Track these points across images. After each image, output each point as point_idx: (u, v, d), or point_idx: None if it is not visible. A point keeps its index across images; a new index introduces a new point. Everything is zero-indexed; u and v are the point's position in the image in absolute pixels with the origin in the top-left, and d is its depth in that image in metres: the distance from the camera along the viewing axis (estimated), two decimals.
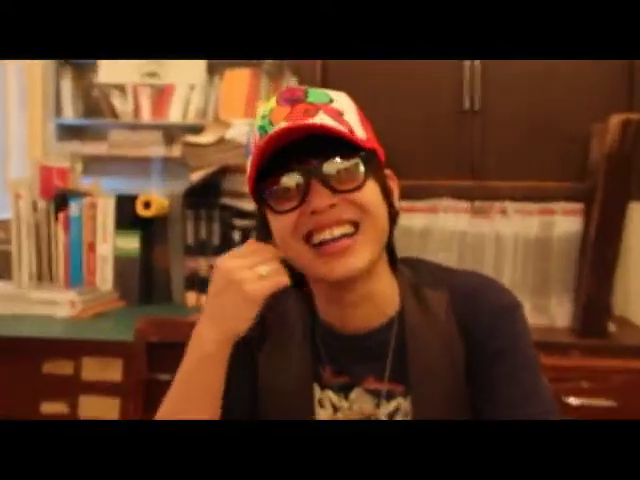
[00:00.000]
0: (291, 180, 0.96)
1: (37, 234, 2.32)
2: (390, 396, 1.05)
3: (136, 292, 2.29)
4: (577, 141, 2.25)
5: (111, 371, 1.89)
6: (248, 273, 0.96)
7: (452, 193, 2.02)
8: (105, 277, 2.29)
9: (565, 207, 1.97)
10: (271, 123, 0.97)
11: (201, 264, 2.24)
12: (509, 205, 2.00)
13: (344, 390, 1.07)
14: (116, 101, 4.35)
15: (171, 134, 4.25)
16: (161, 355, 1.01)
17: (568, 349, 1.80)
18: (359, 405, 1.06)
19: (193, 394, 1.00)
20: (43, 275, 2.33)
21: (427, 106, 2.51)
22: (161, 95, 4.31)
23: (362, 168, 0.97)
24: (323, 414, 1.07)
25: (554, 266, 1.98)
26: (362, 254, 0.97)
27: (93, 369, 1.90)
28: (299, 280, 1.03)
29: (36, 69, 4.18)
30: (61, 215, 2.31)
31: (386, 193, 1.02)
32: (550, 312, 1.99)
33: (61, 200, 2.31)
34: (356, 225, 0.98)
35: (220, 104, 4.17)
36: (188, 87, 4.23)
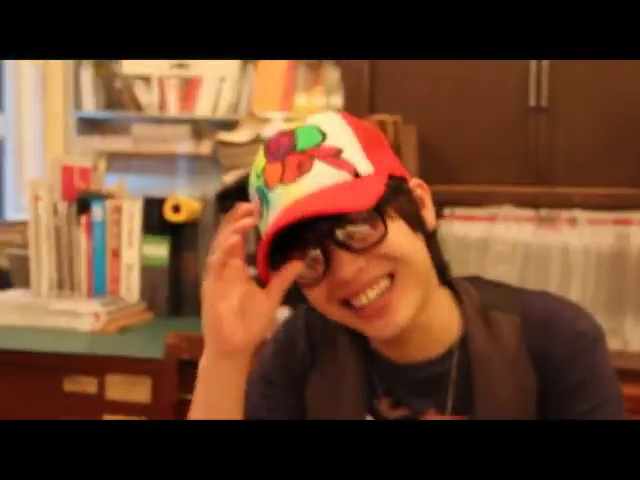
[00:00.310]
0: (308, 252, 0.95)
1: (57, 239, 2.28)
2: None
3: (164, 304, 2.24)
4: None
5: (138, 391, 1.87)
6: (215, 292, 0.98)
7: (514, 200, 2.01)
8: (130, 287, 2.24)
9: None
10: (267, 186, 0.94)
11: None
12: (579, 214, 1.98)
13: None
14: (140, 93, 4.30)
15: (199, 129, 4.19)
16: (193, 374, 1.02)
17: None
18: None
19: (195, 406, 1.03)
20: (63, 284, 2.28)
21: (488, 106, 2.43)
22: (189, 86, 4.22)
23: (380, 217, 0.93)
24: None
25: (630, 283, 1.94)
26: (404, 307, 0.96)
27: (118, 388, 1.88)
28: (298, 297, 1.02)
29: None
30: (83, 219, 2.27)
31: (416, 222, 0.98)
32: (624, 335, 1.95)
33: (83, 203, 2.28)
34: (392, 275, 0.95)
35: (253, 97, 4.06)
36: (218, 78, 4.13)
